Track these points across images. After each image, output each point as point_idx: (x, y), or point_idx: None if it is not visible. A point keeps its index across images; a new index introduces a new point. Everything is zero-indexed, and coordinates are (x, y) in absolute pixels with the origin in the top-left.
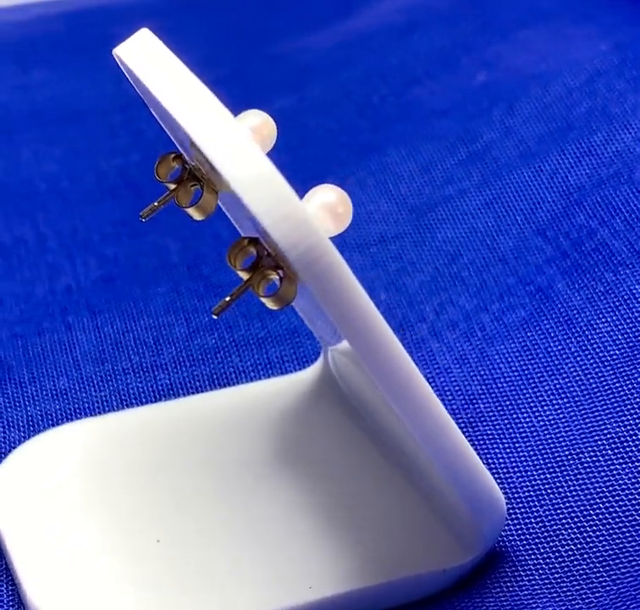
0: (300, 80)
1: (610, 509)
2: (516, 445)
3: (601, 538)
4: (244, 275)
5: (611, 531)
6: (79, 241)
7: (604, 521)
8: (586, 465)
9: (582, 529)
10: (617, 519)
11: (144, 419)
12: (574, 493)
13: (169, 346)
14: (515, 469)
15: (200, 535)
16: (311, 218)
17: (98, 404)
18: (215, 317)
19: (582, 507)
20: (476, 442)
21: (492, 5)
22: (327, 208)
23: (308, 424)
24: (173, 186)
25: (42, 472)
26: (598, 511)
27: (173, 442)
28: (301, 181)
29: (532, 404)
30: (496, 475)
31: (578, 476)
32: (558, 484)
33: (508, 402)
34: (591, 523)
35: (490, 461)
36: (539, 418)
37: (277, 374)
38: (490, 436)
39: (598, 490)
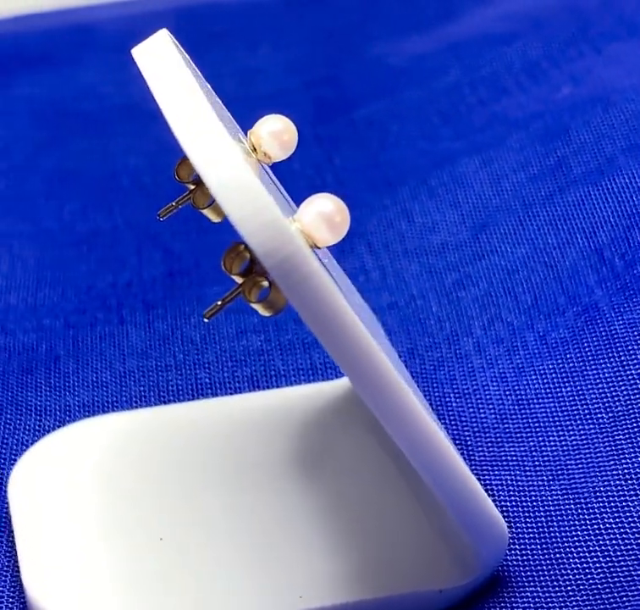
0: (391, 85)
1: (616, 545)
2: (537, 469)
3: (600, 572)
4: (239, 280)
5: (612, 566)
6: (149, 236)
7: (607, 555)
8: (598, 497)
9: (583, 562)
10: (620, 556)
11: (169, 417)
12: (582, 525)
13: (214, 345)
14: (533, 494)
15: (202, 535)
16: (290, 227)
17: (136, 398)
18: (206, 320)
19: (587, 540)
20: (500, 463)
21: (589, 17)
22: (323, 217)
23: (328, 434)
24: (192, 187)
25: (61, 464)
26: (602, 545)
27: (192, 442)
28: (372, 186)
29: (558, 427)
30: (514, 497)
31: (589, 508)
32: (569, 513)
33: (536, 424)
34: (593, 555)
35: (510, 482)
36: (563, 443)
37: (318, 379)
38: (514, 457)
39: (606, 523)
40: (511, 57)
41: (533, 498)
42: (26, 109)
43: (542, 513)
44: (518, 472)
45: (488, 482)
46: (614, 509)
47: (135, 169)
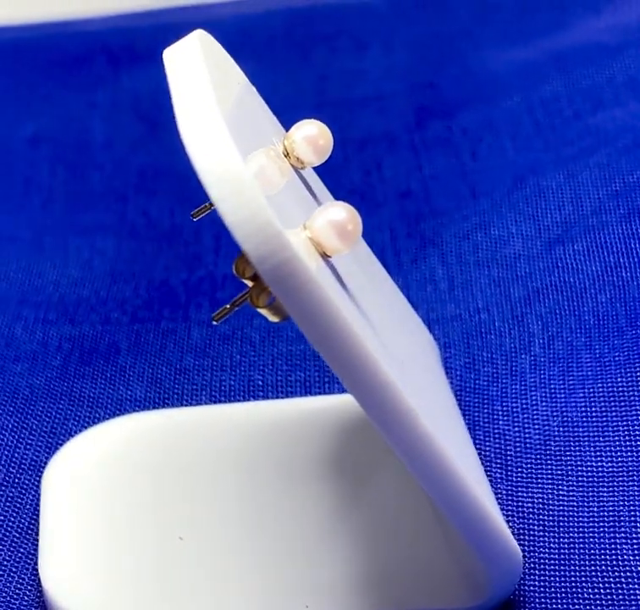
0: (491, 94)
1: (631, 580)
2: (570, 493)
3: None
4: (250, 285)
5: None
6: (230, 236)
7: (622, 590)
8: (622, 527)
9: (596, 593)
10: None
11: (202, 418)
12: (602, 556)
13: (272, 348)
14: (561, 519)
15: (220, 537)
16: (283, 233)
17: (187, 396)
18: (215, 323)
19: (604, 571)
20: (536, 483)
21: None
22: (334, 225)
23: (349, 445)
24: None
25: (91, 460)
26: (619, 578)
27: (218, 445)
28: (456, 196)
29: (597, 452)
30: (542, 520)
31: (611, 538)
32: (592, 543)
33: (577, 447)
34: (607, 588)
35: (541, 505)
36: (599, 469)
37: None
38: (550, 480)
39: (625, 555)
40: (614, 70)
41: (561, 523)
42: (130, 104)
43: (566, 540)
44: (551, 495)
45: (520, 502)
46: (635, 542)
47: None
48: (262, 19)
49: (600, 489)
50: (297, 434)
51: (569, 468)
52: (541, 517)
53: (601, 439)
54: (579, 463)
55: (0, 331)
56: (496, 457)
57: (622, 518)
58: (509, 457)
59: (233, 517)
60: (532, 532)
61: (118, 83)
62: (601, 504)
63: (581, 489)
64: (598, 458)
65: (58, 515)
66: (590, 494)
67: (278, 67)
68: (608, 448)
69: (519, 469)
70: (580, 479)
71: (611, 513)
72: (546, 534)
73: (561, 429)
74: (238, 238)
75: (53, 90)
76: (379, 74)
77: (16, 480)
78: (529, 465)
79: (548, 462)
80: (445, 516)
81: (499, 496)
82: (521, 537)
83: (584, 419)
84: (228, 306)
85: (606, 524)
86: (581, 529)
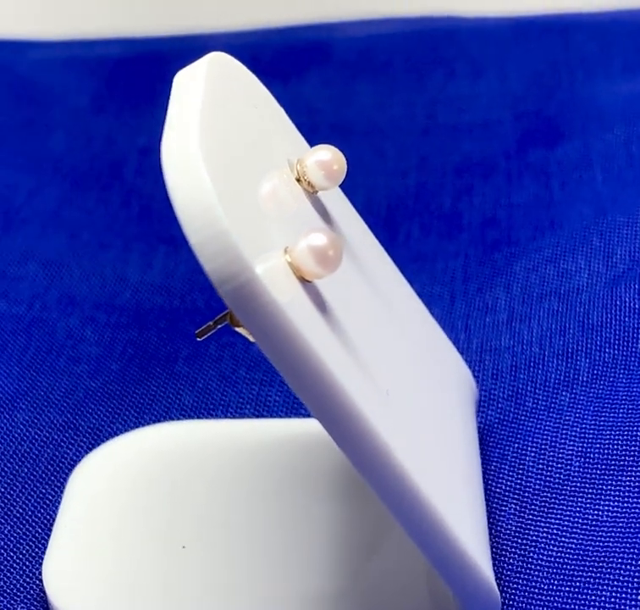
0: (595, 125)
1: None
2: (578, 538)
3: None
4: None
5: None
6: None
7: None
8: (614, 586)
9: None
10: None
11: (227, 431)
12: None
13: None
14: (564, 563)
15: (221, 547)
16: (245, 257)
17: (231, 408)
18: (199, 339)
19: None
20: (546, 525)
21: None
22: (313, 250)
23: None
24: None
25: (114, 468)
26: None
27: (236, 458)
28: (535, 227)
29: (614, 495)
30: (547, 562)
31: (613, 585)
32: (592, 588)
33: (594, 489)
34: None
35: (546, 546)
36: (606, 512)
37: None
38: (559, 522)
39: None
40: None
41: (562, 565)
42: None
43: (565, 581)
44: (559, 536)
45: (527, 540)
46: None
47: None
48: (385, 40)
49: (608, 535)
50: (306, 451)
51: (580, 510)
52: (546, 556)
53: (618, 484)
54: (590, 506)
55: (71, 332)
56: (514, 492)
57: (626, 565)
58: (527, 494)
59: (235, 528)
60: (532, 570)
61: None
62: (606, 550)
63: (589, 533)
64: (609, 502)
65: (72, 516)
66: (597, 539)
67: (394, 88)
68: (623, 496)
69: (533, 507)
70: (589, 523)
71: (617, 562)
72: (546, 573)
73: (581, 470)
74: (200, 259)
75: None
76: (490, 100)
77: (52, 478)
78: (544, 504)
79: (563, 502)
80: (421, 552)
81: (508, 531)
82: (521, 574)
83: (604, 462)
84: (211, 323)
85: (611, 571)
86: (581, 572)
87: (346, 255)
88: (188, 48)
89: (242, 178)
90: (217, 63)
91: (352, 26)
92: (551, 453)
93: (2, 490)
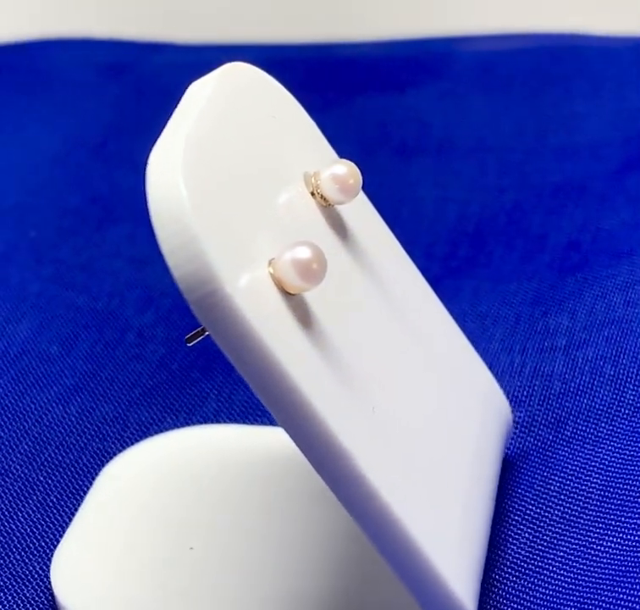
0: None
1: None
2: (584, 571)
3: None
4: None
5: None
6: None
7: None
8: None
9: None
10: None
11: (254, 437)
12: None
13: None
14: (564, 595)
15: (227, 549)
16: (214, 266)
17: (252, 418)
18: (189, 345)
19: None
20: (556, 555)
21: None
22: (296, 263)
23: None
24: None
25: (136, 471)
26: None
27: (249, 464)
28: (614, 254)
29: (626, 523)
30: (549, 591)
31: None
32: None
33: (603, 523)
34: None
35: (552, 575)
36: (625, 541)
37: None
38: (569, 553)
39: None
40: None
41: (561, 596)
42: (344, 131)
43: None
44: (567, 567)
45: (534, 568)
46: None
47: (436, 200)
48: (507, 55)
49: (612, 569)
50: None
51: (587, 544)
52: (546, 588)
53: (629, 519)
54: (599, 540)
55: (142, 330)
56: (532, 519)
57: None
58: (542, 522)
59: (245, 531)
60: (534, 598)
61: (343, 108)
62: (609, 583)
63: (594, 567)
64: (621, 539)
65: (89, 515)
66: (601, 573)
67: (508, 105)
68: (633, 531)
69: (545, 537)
70: (594, 556)
71: (622, 595)
72: (548, 603)
73: (598, 502)
74: (169, 266)
75: None
76: (603, 121)
77: (91, 471)
78: (556, 534)
79: (573, 535)
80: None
81: (518, 558)
82: (522, 602)
83: (623, 496)
84: (199, 329)
85: (614, 601)
86: (584, 605)
87: (361, 270)
88: (314, 57)
89: (238, 190)
90: (232, 73)
91: (477, 41)
92: (575, 484)
93: (41, 478)
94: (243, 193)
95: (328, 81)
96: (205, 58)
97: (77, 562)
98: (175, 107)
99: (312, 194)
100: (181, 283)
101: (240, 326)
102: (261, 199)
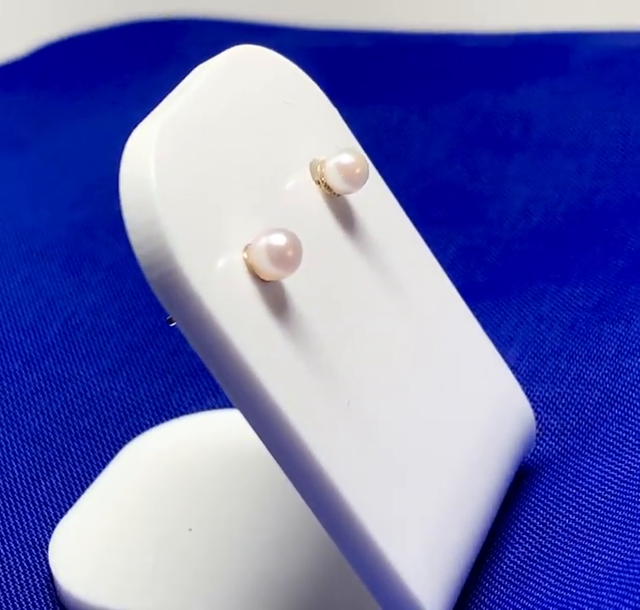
0: None
1: None
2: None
3: None
4: None
5: None
6: None
7: None
8: None
9: None
10: None
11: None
12: None
13: None
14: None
15: (225, 530)
16: (173, 247)
17: None
18: (171, 325)
19: None
20: (555, 556)
21: None
22: (268, 250)
23: None
24: None
25: (145, 457)
26: None
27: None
28: None
29: (627, 541)
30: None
31: None
32: None
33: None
34: None
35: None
36: (621, 559)
37: None
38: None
39: None
40: None
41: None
42: (448, 122)
43: None
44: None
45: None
46: None
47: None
48: (625, 53)
49: (605, 585)
50: None
51: (581, 558)
52: (536, 596)
53: (629, 538)
54: (595, 555)
55: None
56: (536, 529)
57: None
58: (545, 532)
59: (240, 513)
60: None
61: (455, 100)
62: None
63: (587, 582)
64: (616, 557)
65: (97, 494)
66: (592, 588)
67: (618, 104)
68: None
69: (544, 547)
70: (587, 572)
71: None
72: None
73: (603, 516)
74: (132, 244)
75: None
76: None
77: (118, 449)
78: (553, 546)
79: (570, 547)
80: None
81: (511, 567)
82: None
83: (632, 511)
84: None
85: None
86: None
87: (364, 261)
88: (436, 43)
89: (225, 175)
90: (239, 55)
91: (598, 37)
92: (588, 496)
93: (72, 448)
94: (231, 178)
95: (445, 70)
96: (315, 43)
97: (75, 535)
98: None
99: (318, 183)
100: (142, 262)
101: (196, 308)
102: (254, 185)
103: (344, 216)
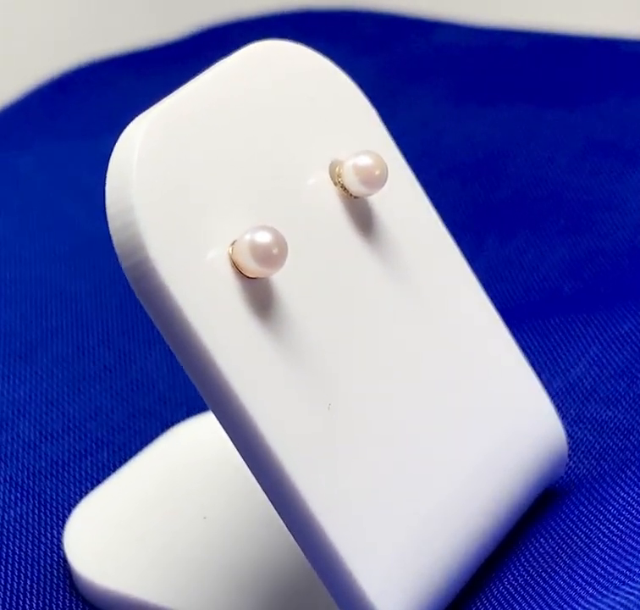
0: None
1: None
2: None
3: None
4: None
5: None
6: None
7: None
8: None
9: None
10: None
11: None
12: None
13: None
14: None
15: (239, 518)
16: (146, 237)
17: None
18: None
19: None
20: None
21: None
22: (252, 247)
23: None
24: None
25: (197, 440)
26: None
27: None
28: None
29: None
30: None
31: None
32: None
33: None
34: None
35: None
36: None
37: None
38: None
39: None
40: None
41: None
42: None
43: None
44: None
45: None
46: None
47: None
48: None
49: None
50: None
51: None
52: None
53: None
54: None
55: None
56: (545, 553)
57: None
58: (550, 557)
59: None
60: None
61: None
62: None
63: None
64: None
65: (125, 472)
66: None
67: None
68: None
69: (543, 572)
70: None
71: None
72: None
73: (614, 545)
74: (111, 231)
75: None
76: None
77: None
78: (550, 569)
79: (565, 569)
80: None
81: (507, 589)
82: None
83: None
84: None
85: None
86: None
87: (377, 266)
88: (592, 46)
89: (227, 171)
90: (261, 51)
91: None
92: (607, 524)
93: (120, 423)
94: (228, 174)
95: (595, 74)
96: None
97: (93, 519)
98: None
99: (336, 184)
100: (117, 249)
101: (165, 299)
102: (254, 182)
103: (361, 218)
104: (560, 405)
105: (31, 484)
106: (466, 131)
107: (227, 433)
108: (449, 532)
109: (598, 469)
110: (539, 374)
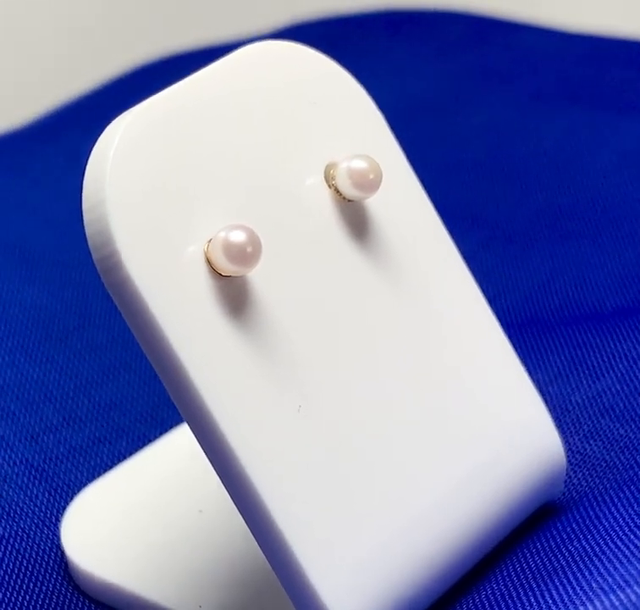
0: None
1: None
2: None
3: None
4: None
5: None
6: None
7: None
8: None
9: None
10: None
11: None
12: None
13: None
14: None
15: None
16: (115, 231)
17: None
18: None
19: None
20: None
21: None
22: (226, 246)
23: None
24: None
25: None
26: None
27: None
28: None
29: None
30: None
31: None
32: None
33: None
34: None
35: None
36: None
37: None
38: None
39: None
40: None
41: None
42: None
43: None
44: None
45: None
46: None
47: None
48: None
49: None
50: None
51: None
52: None
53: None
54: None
55: None
56: (526, 574)
57: None
58: (529, 576)
59: None
60: None
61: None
62: None
63: None
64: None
65: (122, 474)
66: None
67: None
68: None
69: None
70: None
71: None
72: None
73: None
74: (85, 224)
75: None
76: None
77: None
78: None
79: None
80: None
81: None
82: None
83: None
84: None
85: None
86: None
87: (368, 270)
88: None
89: (212, 170)
90: (259, 52)
91: None
92: (599, 543)
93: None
94: (212, 173)
95: None
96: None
97: (89, 511)
98: None
99: (330, 186)
100: (89, 241)
101: (132, 294)
102: (239, 182)
103: (354, 222)
104: (575, 419)
105: (47, 467)
106: (536, 136)
107: (191, 431)
108: (421, 546)
109: (600, 487)
110: (564, 386)
